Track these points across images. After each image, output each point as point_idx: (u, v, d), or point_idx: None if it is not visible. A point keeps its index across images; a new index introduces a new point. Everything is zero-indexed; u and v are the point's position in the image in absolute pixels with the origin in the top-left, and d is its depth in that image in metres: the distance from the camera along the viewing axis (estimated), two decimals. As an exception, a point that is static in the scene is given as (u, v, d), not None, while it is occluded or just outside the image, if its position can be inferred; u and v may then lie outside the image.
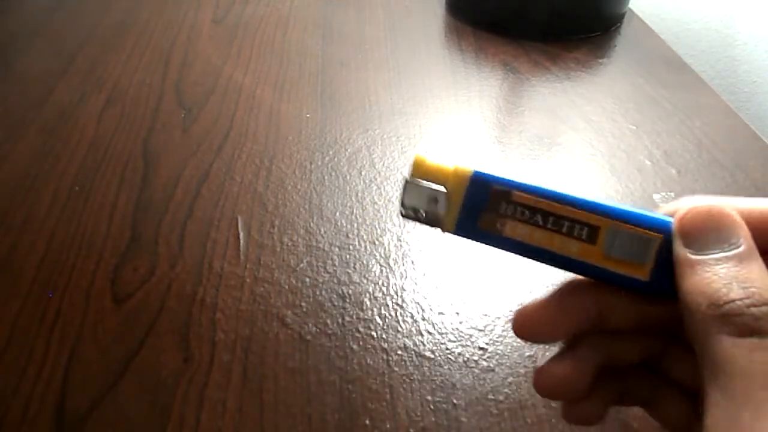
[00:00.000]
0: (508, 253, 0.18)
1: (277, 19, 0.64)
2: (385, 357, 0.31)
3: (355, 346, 0.32)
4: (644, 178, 0.43)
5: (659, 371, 0.20)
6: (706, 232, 0.16)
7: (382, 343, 0.32)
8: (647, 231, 0.17)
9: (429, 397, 0.29)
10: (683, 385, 0.19)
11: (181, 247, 0.37)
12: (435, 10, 0.67)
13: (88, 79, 0.54)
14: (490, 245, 0.18)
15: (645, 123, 0.49)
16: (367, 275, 0.36)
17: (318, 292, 0.34)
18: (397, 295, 0.34)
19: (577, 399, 0.19)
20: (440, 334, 0.32)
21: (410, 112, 0.50)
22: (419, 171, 0.18)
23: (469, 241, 0.18)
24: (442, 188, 0.18)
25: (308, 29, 0.62)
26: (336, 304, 0.34)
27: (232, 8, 0.67)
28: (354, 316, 0.33)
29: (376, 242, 0.38)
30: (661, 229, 0.17)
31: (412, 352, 0.31)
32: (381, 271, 0.36)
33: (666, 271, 0.16)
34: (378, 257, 0.37)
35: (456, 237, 0.19)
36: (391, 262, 0.36)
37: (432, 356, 0.31)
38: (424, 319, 0.33)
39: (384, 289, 0.35)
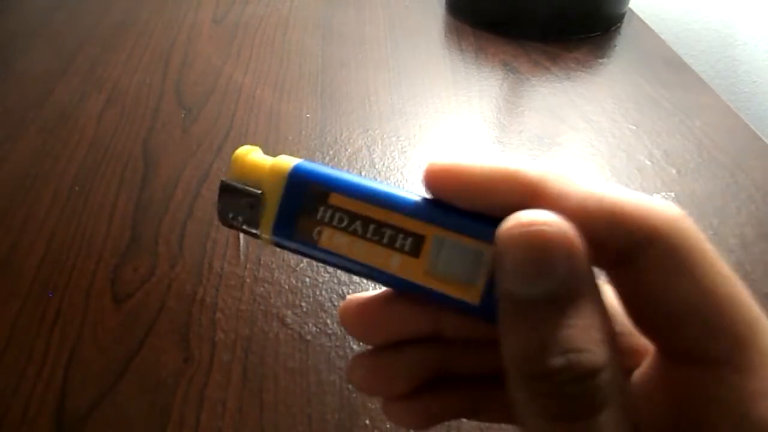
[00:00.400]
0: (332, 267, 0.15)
1: (277, 19, 0.64)
2: (385, 357, 0.31)
3: (355, 346, 0.32)
4: (644, 178, 0.43)
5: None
6: (521, 263, 0.12)
7: (382, 343, 0.32)
8: (480, 241, 0.14)
9: (429, 397, 0.29)
10: None
11: (181, 247, 0.37)
12: (435, 10, 0.67)
13: (88, 79, 0.54)
14: (309, 258, 0.16)
15: (645, 123, 0.49)
16: (367, 275, 0.36)
17: (318, 292, 0.34)
18: (397, 295, 0.34)
19: (395, 398, 0.16)
20: (440, 334, 0.32)
21: (410, 112, 0.50)
22: (238, 170, 0.16)
23: (290, 253, 0.16)
24: (257, 190, 0.15)
25: (308, 29, 0.62)
26: (336, 304, 0.34)
27: (232, 8, 0.67)
28: (354, 316, 0.33)
29: (376, 242, 0.38)
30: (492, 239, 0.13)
31: (412, 352, 0.31)
32: (381, 271, 0.36)
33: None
34: (378, 257, 0.37)
35: (276, 247, 0.16)
36: (391, 262, 0.36)
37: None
38: (424, 319, 0.33)
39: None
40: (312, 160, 0.15)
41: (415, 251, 0.14)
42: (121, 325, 0.32)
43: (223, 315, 0.33)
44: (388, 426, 0.28)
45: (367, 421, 0.28)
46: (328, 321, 0.33)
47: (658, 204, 0.13)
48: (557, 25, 0.60)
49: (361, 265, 0.15)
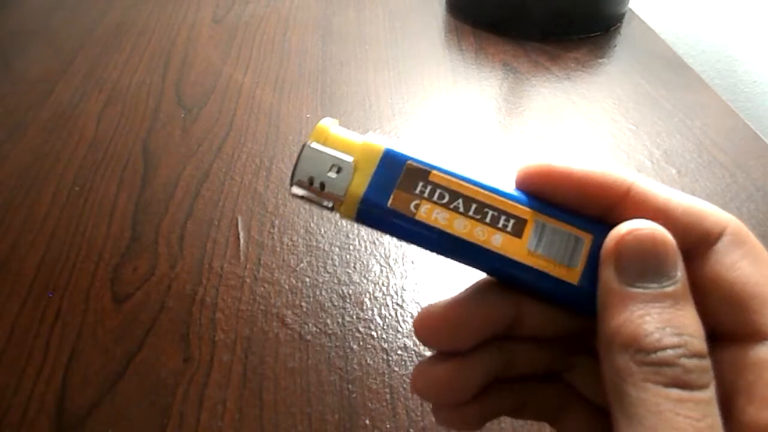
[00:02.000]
0: (417, 248, 0.16)
1: (277, 19, 0.64)
2: (385, 357, 0.31)
3: (355, 346, 0.32)
4: (644, 178, 0.43)
5: (564, 383, 0.18)
6: (644, 263, 0.14)
7: (382, 343, 0.32)
8: (579, 230, 0.15)
9: (429, 397, 0.29)
10: (589, 400, 0.18)
11: (181, 247, 0.37)
12: (435, 10, 0.67)
13: (88, 79, 0.54)
14: (396, 234, 0.15)
15: (645, 123, 0.49)
16: (367, 275, 0.36)
17: (318, 292, 0.34)
18: (397, 295, 0.34)
19: (457, 404, 0.17)
20: (440, 334, 0.32)
21: (410, 112, 0.50)
22: (323, 139, 0.16)
23: (371, 228, 0.16)
24: (348, 157, 0.15)
25: (308, 29, 0.62)
26: (336, 304, 0.34)
27: (232, 8, 0.67)
28: (354, 316, 0.33)
29: (376, 242, 0.38)
30: (593, 229, 0.15)
31: (412, 352, 0.31)
32: (381, 271, 0.36)
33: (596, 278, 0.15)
34: (378, 257, 0.37)
35: (356, 222, 0.16)
36: (391, 262, 0.36)
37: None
38: (424, 319, 0.33)
39: (384, 289, 0.35)
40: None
41: (518, 232, 0.15)
42: (121, 325, 0.32)
43: (223, 315, 0.33)
44: (388, 426, 0.28)
45: (367, 421, 0.28)
46: (328, 321, 0.33)
47: (718, 209, 0.15)
48: (557, 25, 0.60)
49: (460, 242, 0.15)
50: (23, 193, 0.41)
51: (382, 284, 0.35)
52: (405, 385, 0.30)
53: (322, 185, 0.15)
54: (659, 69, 0.56)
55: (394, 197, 0.15)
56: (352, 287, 0.35)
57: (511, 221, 0.15)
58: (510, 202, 0.15)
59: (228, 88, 0.53)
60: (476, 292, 0.16)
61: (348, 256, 0.37)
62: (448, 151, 0.46)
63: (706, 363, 0.13)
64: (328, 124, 0.16)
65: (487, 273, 0.16)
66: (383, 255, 0.37)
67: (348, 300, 0.34)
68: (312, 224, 0.39)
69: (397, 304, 0.34)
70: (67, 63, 0.56)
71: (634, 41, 0.61)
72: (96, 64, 0.56)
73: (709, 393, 0.13)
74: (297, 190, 0.16)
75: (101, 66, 0.56)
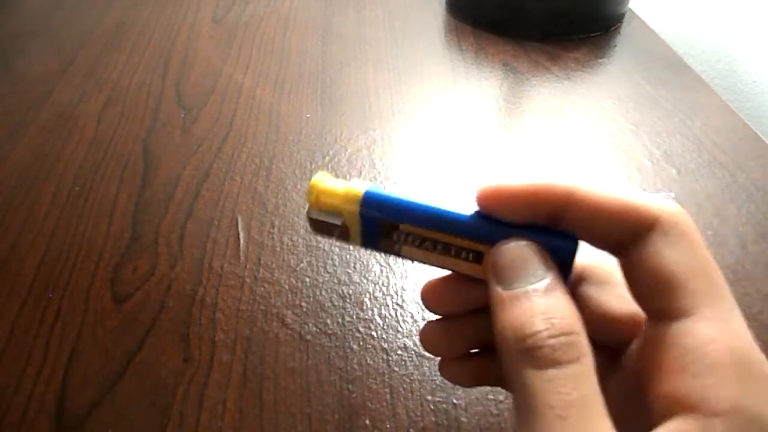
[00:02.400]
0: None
1: (277, 19, 0.64)
2: (385, 357, 0.31)
3: (355, 346, 0.32)
4: (644, 178, 0.43)
5: None
6: (513, 267, 0.17)
7: (382, 343, 0.32)
8: None
9: (429, 397, 0.29)
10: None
11: (181, 247, 0.37)
12: (435, 10, 0.67)
13: (88, 79, 0.54)
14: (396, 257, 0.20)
15: (645, 123, 0.49)
16: (367, 275, 0.36)
17: (318, 292, 0.34)
18: (397, 295, 0.34)
19: (452, 357, 0.21)
20: (440, 334, 0.32)
21: (410, 112, 0.50)
22: (315, 202, 0.20)
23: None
24: (338, 221, 0.20)
25: (308, 29, 0.62)
26: (336, 304, 0.34)
27: (232, 8, 0.67)
28: (354, 316, 0.33)
29: (376, 242, 0.38)
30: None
31: (412, 352, 0.31)
32: (381, 271, 0.36)
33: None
34: (378, 257, 0.37)
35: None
36: (391, 262, 0.36)
37: (432, 356, 0.31)
38: (424, 319, 0.33)
39: (384, 289, 0.35)
40: (377, 186, 0.19)
41: (478, 260, 0.18)
42: (121, 325, 0.32)
43: (223, 315, 0.33)
44: (388, 426, 0.28)
45: (367, 421, 0.28)
46: (328, 321, 0.33)
47: (661, 200, 0.16)
48: (557, 25, 0.60)
49: (438, 266, 0.19)
50: (23, 193, 0.41)
51: (382, 284, 0.35)
52: (405, 385, 0.30)
53: (334, 238, 0.20)
54: (659, 69, 0.56)
55: (381, 243, 0.19)
56: (352, 287, 0.35)
57: (471, 254, 0.18)
58: (467, 240, 0.18)
59: (228, 88, 0.53)
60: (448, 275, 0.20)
61: (348, 256, 0.37)
62: (448, 151, 0.46)
63: (574, 338, 0.15)
64: (317, 182, 0.20)
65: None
66: (383, 255, 0.37)
67: (348, 300, 0.34)
68: (312, 224, 0.39)
69: (397, 304, 0.34)
70: (67, 63, 0.56)
71: (634, 41, 0.61)
72: (96, 64, 0.56)
73: (581, 366, 0.15)
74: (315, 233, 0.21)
75: (101, 66, 0.56)
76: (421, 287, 0.21)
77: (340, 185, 0.19)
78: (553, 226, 0.17)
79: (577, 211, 0.17)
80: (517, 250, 0.17)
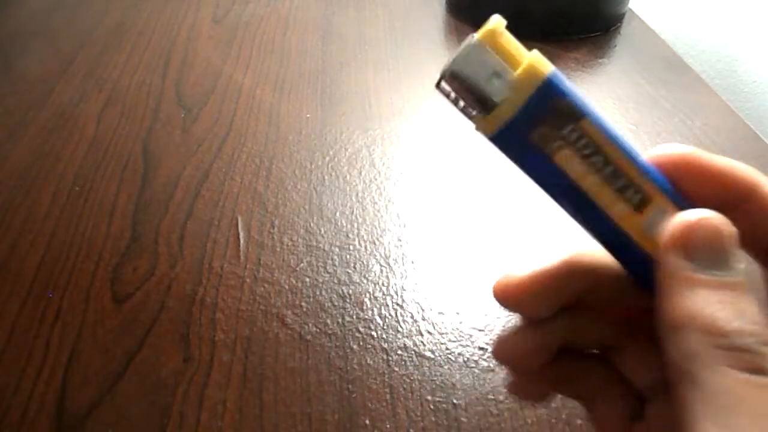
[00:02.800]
0: (536, 187, 0.15)
1: (277, 19, 0.64)
2: (385, 357, 0.31)
3: (355, 346, 0.32)
4: (644, 178, 0.43)
5: (607, 363, 0.19)
6: (713, 250, 0.14)
7: (382, 343, 0.32)
8: None
9: (429, 397, 0.29)
10: (630, 383, 0.18)
11: (181, 247, 0.37)
12: (435, 10, 0.67)
13: (88, 79, 0.54)
14: (524, 167, 0.15)
15: (645, 123, 0.49)
16: (367, 275, 0.36)
17: (318, 292, 0.34)
18: (397, 295, 0.34)
19: (533, 369, 0.18)
20: (440, 334, 0.32)
21: (410, 112, 0.50)
22: (490, 41, 0.15)
23: (501, 152, 0.15)
24: (511, 70, 0.14)
25: (308, 29, 0.62)
26: (336, 304, 0.34)
27: (232, 8, 0.67)
28: (354, 316, 0.33)
29: (376, 242, 0.38)
30: None
31: (412, 352, 0.31)
32: (381, 271, 0.36)
33: None
34: (378, 257, 0.37)
35: (489, 141, 0.15)
36: (391, 262, 0.36)
37: (432, 356, 0.31)
38: (424, 319, 0.33)
39: (384, 289, 0.35)
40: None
41: (640, 208, 0.15)
42: (121, 325, 0.32)
43: (223, 315, 0.33)
44: (388, 426, 0.28)
45: (367, 421, 0.28)
46: (328, 321, 0.33)
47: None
48: (557, 25, 0.60)
49: (584, 197, 0.15)
50: (23, 193, 0.41)
51: (382, 284, 0.35)
52: (405, 385, 0.30)
53: (474, 90, 0.15)
54: (659, 69, 0.56)
55: (540, 132, 0.14)
56: (352, 287, 0.35)
57: (638, 195, 0.15)
58: (643, 177, 0.15)
59: (228, 88, 0.53)
60: (552, 267, 0.17)
61: (348, 256, 0.37)
62: (448, 151, 0.46)
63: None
64: (498, 27, 0.15)
65: (591, 233, 0.16)
66: (383, 255, 0.37)
67: (348, 300, 0.34)
68: (312, 224, 0.39)
69: (397, 304, 0.34)
70: (67, 63, 0.56)
71: (634, 41, 0.61)
72: (96, 64, 0.56)
73: None
74: (445, 86, 0.15)
75: (101, 66, 0.56)
76: (499, 282, 0.17)
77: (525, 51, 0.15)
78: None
79: (757, 211, 0.16)
80: (725, 229, 0.14)
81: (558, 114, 0.14)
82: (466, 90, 0.15)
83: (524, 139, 0.14)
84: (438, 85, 0.15)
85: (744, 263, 0.14)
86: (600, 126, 0.14)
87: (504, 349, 0.18)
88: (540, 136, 0.14)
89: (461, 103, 0.15)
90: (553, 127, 0.14)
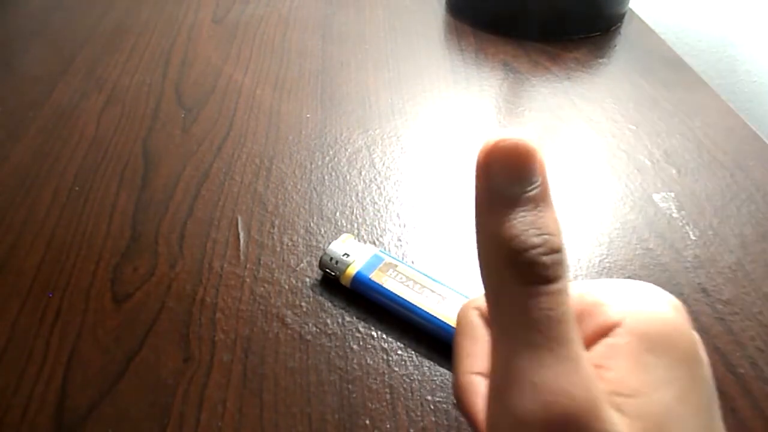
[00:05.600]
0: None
1: (277, 19, 0.64)
2: (385, 357, 0.31)
3: (355, 346, 0.32)
4: (644, 178, 0.43)
5: None
6: (510, 169, 0.15)
7: (382, 343, 0.32)
8: None
9: (429, 397, 0.29)
10: None
11: (181, 247, 0.37)
12: (435, 10, 0.67)
13: (88, 79, 0.54)
14: (370, 294, 0.31)
15: (645, 123, 0.49)
16: (367, 275, 0.35)
17: (318, 292, 0.34)
18: (397, 295, 0.34)
19: None
20: (440, 334, 0.32)
21: (410, 112, 0.50)
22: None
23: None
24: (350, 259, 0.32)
25: (308, 29, 0.62)
26: (336, 304, 0.34)
27: (232, 8, 0.67)
28: (354, 316, 0.33)
29: (376, 242, 0.38)
30: None
31: (412, 352, 0.31)
32: (381, 271, 0.36)
33: None
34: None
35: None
36: (391, 262, 0.36)
37: (432, 356, 0.31)
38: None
39: (384, 289, 0.35)
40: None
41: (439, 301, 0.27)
42: (121, 325, 0.32)
43: (223, 315, 0.33)
44: (388, 426, 0.28)
45: (367, 421, 0.28)
46: (328, 321, 0.33)
47: (627, 300, 0.16)
48: (557, 25, 0.60)
49: (405, 302, 0.29)
50: (23, 193, 0.41)
51: (382, 284, 0.35)
52: (405, 385, 0.30)
53: (336, 263, 0.32)
54: (659, 69, 0.56)
55: (374, 275, 0.30)
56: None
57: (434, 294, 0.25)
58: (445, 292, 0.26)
59: (228, 88, 0.53)
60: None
61: (348, 256, 0.37)
62: (448, 151, 0.46)
63: (561, 257, 0.15)
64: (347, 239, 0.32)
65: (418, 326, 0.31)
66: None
67: (348, 300, 0.34)
68: (312, 224, 0.39)
69: (397, 304, 0.34)
70: (67, 63, 0.56)
71: (634, 41, 0.61)
72: (96, 64, 0.56)
73: (563, 283, 0.15)
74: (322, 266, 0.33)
75: (101, 66, 0.56)
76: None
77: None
78: None
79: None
80: (518, 149, 0.15)
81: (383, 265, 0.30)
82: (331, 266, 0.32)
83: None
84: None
85: (541, 176, 0.15)
86: (407, 267, 0.28)
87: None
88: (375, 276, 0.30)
89: (330, 273, 0.33)
90: (382, 271, 0.30)
